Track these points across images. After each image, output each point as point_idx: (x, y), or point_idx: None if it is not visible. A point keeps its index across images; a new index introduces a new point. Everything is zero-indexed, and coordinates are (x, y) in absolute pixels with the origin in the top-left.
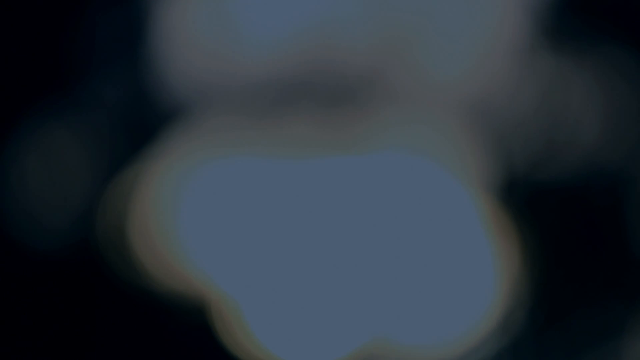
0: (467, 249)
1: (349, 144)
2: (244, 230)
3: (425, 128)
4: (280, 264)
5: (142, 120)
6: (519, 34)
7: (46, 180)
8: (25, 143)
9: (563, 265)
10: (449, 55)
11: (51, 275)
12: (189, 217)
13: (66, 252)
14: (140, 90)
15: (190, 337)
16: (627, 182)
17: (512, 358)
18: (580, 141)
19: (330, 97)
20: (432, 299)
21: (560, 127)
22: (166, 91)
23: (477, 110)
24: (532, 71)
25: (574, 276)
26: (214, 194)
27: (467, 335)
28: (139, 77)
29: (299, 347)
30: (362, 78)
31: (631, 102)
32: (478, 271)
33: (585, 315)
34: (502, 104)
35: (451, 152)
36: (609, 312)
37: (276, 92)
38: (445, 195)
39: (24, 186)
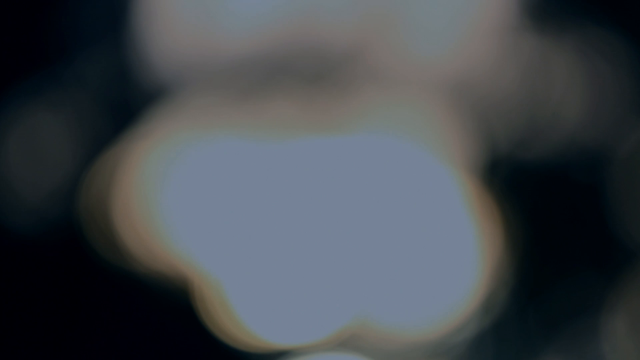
0: (449, 229)
1: (332, 124)
2: (227, 212)
3: (408, 108)
4: (263, 245)
5: (125, 100)
6: (501, 13)
7: (29, 160)
8: (8, 123)
9: (545, 244)
10: (432, 35)
11: (33, 255)
12: (172, 198)
13: (49, 232)
14: (123, 70)
15: (174, 319)
16: (608, 162)
17: (494, 338)
18: (563, 121)
19: (313, 77)
20: (414, 280)
21: (542, 106)
22: (149, 71)
23: (460, 90)
24: (515, 51)
25: (555, 255)
26: (197, 175)
27: (449, 315)
28: (122, 57)
29: (282, 328)
30: (345, 57)
31: (613, 82)
32: (460, 251)
33: (566, 294)
34: (485, 84)
35: (434, 132)
36: (589, 289)
37: (259, 72)
38: (428, 175)
39: (6, 166)
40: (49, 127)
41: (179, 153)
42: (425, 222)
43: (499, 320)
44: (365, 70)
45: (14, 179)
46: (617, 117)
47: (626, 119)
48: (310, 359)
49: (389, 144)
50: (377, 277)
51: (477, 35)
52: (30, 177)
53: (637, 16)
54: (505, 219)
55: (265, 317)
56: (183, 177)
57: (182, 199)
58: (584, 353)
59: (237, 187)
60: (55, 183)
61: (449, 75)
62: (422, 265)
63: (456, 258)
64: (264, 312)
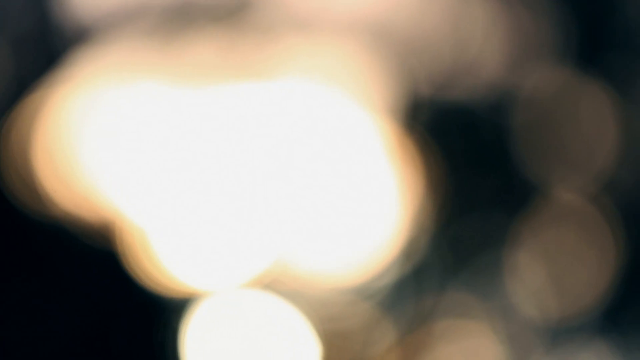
0: (370, 174)
1: (251, 68)
2: (148, 157)
3: (328, 51)
4: (184, 190)
5: (45, 44)
6: None
7: None
8: None
9: (463, 187)
10: None
11: None
12: (93, 142)
13: None
14: (44, 14)
15: (95, 264)
16: (524, 105)
17: (414, 285)
18: (482, 65)
19: (230, 20)
20: (336, 226)
21: (463, 50)
22: (70, 16)
23: (381, 34)
24: None
25: (472, 196)
26: (118, 119)
27: (371, 261)
28: (42, 1)
29: (204, 273)
30: (263, 2)
31: (534, 26)
32: (381, 196)
33: (482, 234)
34: (406, 28)
35: (354, 75)
36: (503, 228)
37: (178, 15)
38: (348, 119)
39: None
40: None
41: (99, 97)
42: (346, 167)
43: (419, 267)
44: (284, 13)
45: None
46: (534, 61)
47: (543, 63)
48: (229, 296)
49: (308, 88)
50: (298, 223)
51: None
52: None
53: None
54: (426, 164)
55: (186, 262)
56: (104, 121)
57: (104, 143)
58: (498, 290)
59: (158, 131)
60: None
61: (370, 19)
62: (344, 211)
63: (377, 203)
64: (185, 257)
